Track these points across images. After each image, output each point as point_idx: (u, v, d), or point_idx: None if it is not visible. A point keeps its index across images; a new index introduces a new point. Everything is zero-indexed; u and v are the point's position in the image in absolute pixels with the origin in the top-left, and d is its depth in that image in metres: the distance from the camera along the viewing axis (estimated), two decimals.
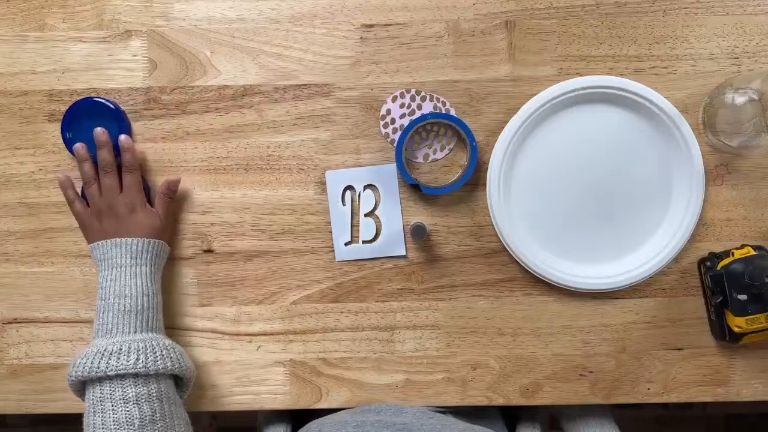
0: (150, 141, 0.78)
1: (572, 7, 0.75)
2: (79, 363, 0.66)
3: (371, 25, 0.76)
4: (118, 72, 0.77)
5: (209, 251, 0.79)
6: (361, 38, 0.76)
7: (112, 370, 0.64)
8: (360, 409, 0.75)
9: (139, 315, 0.69)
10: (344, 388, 0.79)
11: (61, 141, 0.77)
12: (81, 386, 0.68)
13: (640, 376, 0.78)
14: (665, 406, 0.76)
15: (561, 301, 0.77)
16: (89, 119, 0.76)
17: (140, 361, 0.65)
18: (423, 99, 0.76)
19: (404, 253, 0.77)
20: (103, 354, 0.65)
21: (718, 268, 0.72)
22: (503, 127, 0.75)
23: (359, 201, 0.77)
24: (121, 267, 0.70)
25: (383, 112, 0.76)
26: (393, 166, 0.76)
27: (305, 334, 0.79)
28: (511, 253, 0.76)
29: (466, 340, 0.78)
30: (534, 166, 0.76)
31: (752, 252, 0.72)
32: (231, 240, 0.78)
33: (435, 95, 0.76)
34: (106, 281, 0.70)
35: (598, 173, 0.76)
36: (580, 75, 0.75)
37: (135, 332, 0.68)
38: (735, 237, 0.77)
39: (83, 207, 0.74)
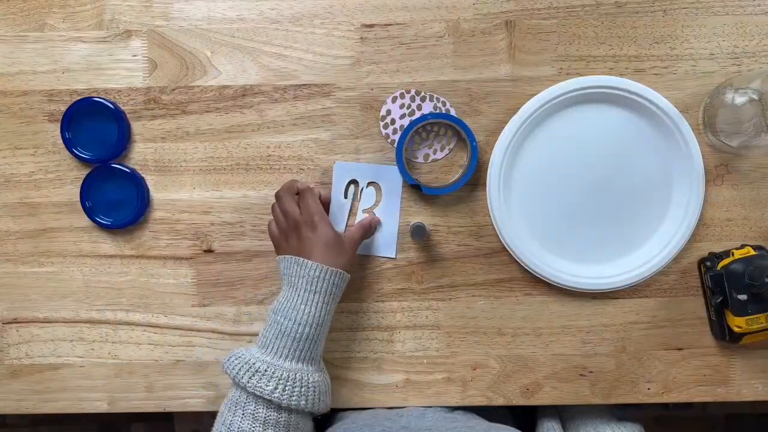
0: (150, 141, 0.78)
1: (572, 7, 0.75)
2: (232, 363, 0.67)
3: (371, 25, 0.76)
4: (118, 72, 0.77)
5: (209, 251, 0.79)
6: (361, 38, 0.76)
7: (251, 387, 0.64)
8: (384, 415, 0.76)
9: (297, 343, 0.67)
10: (344, 388, 0.79)
11: (61, 141, 0.77)
12: None
13: (640, 376, 0.78)
14: (665, 406, 0.76)
15: (561, 301, 0.77)
16: (89, 119, 0.76)
17: (277, 390, 0.64)
18: (423, 99, 0.76)
19: (394, 256, 0.77)
20: (249, 368, 0.66)
21: (718, 268, 0.72)
22: (503, 127, 0.75)
23: (360, 196, 0.77)
24: (296, 289, 0.69)
25: (383, 112, 0.76)
26: (398, 168, 0.76)
27: None
28: (511, 253, 0.76)
29: (466, 340, 0.78)
30: (534, 166, 0.76)
31: (752, 252, 0.72)
32: (231, 240, 0.78)
33: (435, 95, 0.76)
34: (283, 298, 0.70)
35: (598, 173, 0.76)
36: (580, 75, 0.75)
37: (287, 359, 0.67)
38: (735, 237, 0.77)
39: (276, 228, 0.74)
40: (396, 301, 0.78)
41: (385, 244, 0.78)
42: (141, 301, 0.79)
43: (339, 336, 0.79)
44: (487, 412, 0.80)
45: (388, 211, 0.77)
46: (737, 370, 0.78)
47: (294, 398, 0.65)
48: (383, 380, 0.79)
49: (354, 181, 0.77)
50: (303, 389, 0.66)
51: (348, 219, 0.78)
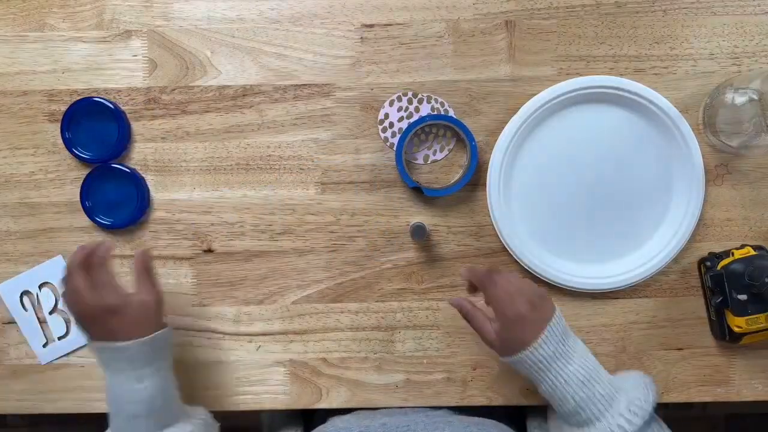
0: (150, 141, 0.78)
1: (572, 7, 0.75)
2: None
3: (371, 25, 0.76)
4: (118, 72, 0.77)
5: (209, 251, 0.79)
6: (361, 38, 0.76)
7: None
8: (364, 414, 0.76)
9: (150, 419, 0.64)
10: (344, 388, 0.79)
11: (61, 141, 0.77)
12: None
13: None
14: (665, 406, 0.75)
15: (561, 301, 0.77)
16: (89, 119, 0.76)
17: None
18: (420, 101, 0.76)
19: None
20: None
21: (718, 268, 0.72)
22: (503, 127, 0.75)
23: (39, 301, 0.78)
24: (120, 372, 0.64)
25: (381, 116, 0.76)
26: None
27: (305, 334, 0.79)
28: (511, 253, 0.76)
29: (466, 340, 0.78)
30: (534, 166, 0.76)
31: (752, 252, 0.72)
32: (231, 240, 0.78)
33: (433, 96, 0.76)
34: (114, 385, 0.65)
35: (598, 173, 0.76)
36: (580, 75, 0.75)
37: None
38: (735, 237, 0.77)
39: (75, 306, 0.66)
40: (396, 301, 0.78)
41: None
42: None
43: (339, 336, 0.79)
44: (485, 412, 0.80)
45: None
46: (737, 370, 0.78)
47: None
48: (383, 380, 0.79)
49: (26, 292, 0.78)
50: None
51: (41, 327, 0.78)
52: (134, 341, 0.64)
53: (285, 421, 0.88)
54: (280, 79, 0.77)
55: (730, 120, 0.71)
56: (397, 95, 0.76)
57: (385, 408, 0.78)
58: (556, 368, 0.64)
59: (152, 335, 0.65)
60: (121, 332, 0.64)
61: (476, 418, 0.72)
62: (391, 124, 0.76)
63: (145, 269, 0.68)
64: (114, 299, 0.64)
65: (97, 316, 0.64)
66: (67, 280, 0.65)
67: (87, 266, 0.65)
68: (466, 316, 0.70)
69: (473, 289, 0.72)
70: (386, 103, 0.76)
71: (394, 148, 0.76)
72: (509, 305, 0.65)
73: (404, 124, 0.76)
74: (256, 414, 0.88)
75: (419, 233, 0.72)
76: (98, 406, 0.80)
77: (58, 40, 0.77)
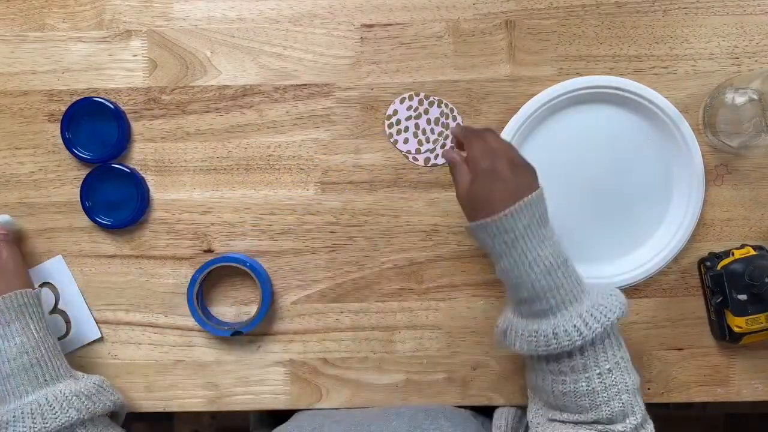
0: (150, 141, 0.78)
1: (572, 7, 0.75)
2: None
3: (371, 25, 0.76)
4: (118, 72, 0.77)
5: (209, 251, 0.79)
6: (361, 38, 0.76)
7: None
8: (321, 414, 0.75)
9: (23, 377, 0.64)
10: (344, 388, 0.79)
11: (60, 141, 0.77)
12: None
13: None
14: (665, 406, 0.75)
15: None
16: (89, 119, 0.76)
17: (37, 424, 0.61)
18: (431, 104, 0.76)
19: (99, 336, 0.78)
20: (7, 423, 0.62)
21: (718, 268, 0.72)
22: (503, 127, 0.75)
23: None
24: None
25: (390, 111, 0.76)
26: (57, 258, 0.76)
27: (305, 334, 0.79)
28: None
29: (466, 340, 0.78)
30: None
31: (752, 252, 0.72)
32: (231, 240, 0.78)
33: (444, 101, 0.76)
34: None
35: (598, 173, 0.76)
36: (580, 75, 0.75)
37: (27, 395, 0.63)
38: (735, 237, 0.77)
39: None
40: (396, 301, 0.78)
41: (86, 329, 0.78)
42: (141, 301, 0.79)
43: (339, 336, 0.79)
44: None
45: (72, 299, 0.78)
46: (737, 370, 0.78)
47: (60, 416, 0.62)
48: (383, 380, 0.79)
49: None
50: (65, 403, 0.63)
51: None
52: None
53: (270, 422, 0.87)
54: (280, 79, 0.77)
55: (730, 120, 0.71)
56: (408, 94, 0.76)
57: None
58: (524, 247, 0.58)
59: (10, 293, 0.66)
60: None
61: (426, 407, 0.72)
62: (398, 121, 0.76)
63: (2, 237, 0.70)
64: None
65: None
66: None
67: None
68: (452, 168, 0.64)
69: (461, 147, 0.66)
70: (397, 101, 0.76)
71: (186, 296, 0.76)
72: (488, 158, 0.59)
73: (411, 124, 0.76)
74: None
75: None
76: None
77: (57, 40, 0.77)
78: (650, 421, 0.61)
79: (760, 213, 0.77)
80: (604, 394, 0.58)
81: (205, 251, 0.78)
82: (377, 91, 0.77)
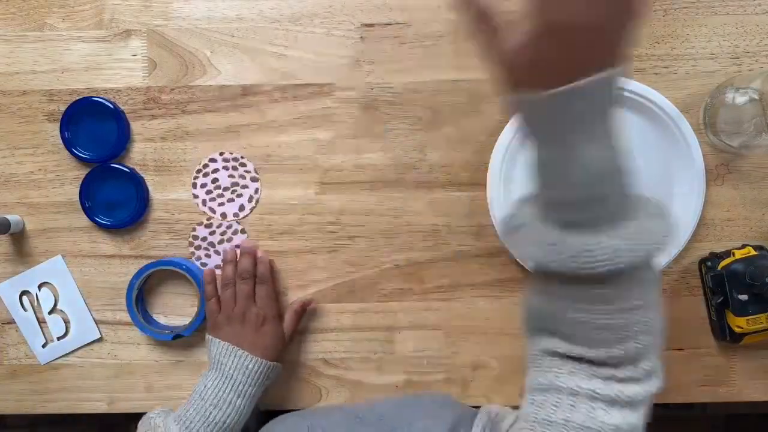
0: (150, 141, 0.78)
1: None
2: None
3: (371, 25, 0.76)
4: (118, 72, 0.77)
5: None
6: (361, 37, 0.76)
7: None
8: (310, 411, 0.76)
9: (222, 430, 0.68)
10: (344, 389, 0.79)
11: (60, 141, 0.77)
12: None
13: None
14: (665, 406, 0.75)
15: None
16: (89, 119, 0.76)
17: None
18: (235, 233, 0.76)
19: (99, 336, 0.78)
20: None
21: (719, 268, 0.72)
22: (503, 128, 0.75)
23: (38, 301, 0.78)
24: (230, 380, 0.69)
25: (195, 235, 0.77)
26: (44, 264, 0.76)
27: (305, 334, 0.79)
28: (512, 253, 0.75)
29: (466, 340, 0.78)
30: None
31: (753, 252, 0.71)
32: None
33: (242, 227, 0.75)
34: (211, 384, 0.69)
35: None
36: None
37: None
38: (736, 237, 0.77)
39: (217, 306, 0.74)
40: (396, 302, 0.78)
41: (86, 330, 0.79)
42: None
43: (339, 336, 0.78)
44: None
45: (72, 300, 0.78)
46: (738, 371, 0.78)
47: None
48: (384, 380, 0.79)
49: (25, 292, 0.78)
50: None
51: (41, 327, 0.78)
52: (261, 360, 0.70)
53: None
54: (280, 79, 0.77)
55: (731, 120, 0.71)
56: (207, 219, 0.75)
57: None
58: (584, 136, 0.43)
59: (275, 363, 0.72)
60: (255, 349, 0.71)
61: (407, 398, 0.72)
62: (203, 246, 0.78)
63: (299, 314, 0.76)
64: (271, 313, 0.73)
65: (250, 320, 0.72)
66: (225, 281, 0.74)
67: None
68: (478, 19, 0.45)
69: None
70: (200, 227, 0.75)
71: (125, 298, 0.77)
72: (564, 2, 0.39)
73: (220, 248, 0.76)
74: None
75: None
76: (97, 407, 0.80)
77: (57, 39, 0.77)
78: (662, 370, 0.50)
79: (761, 213, 0.77)
80: (624, 332, 0.47)
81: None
82: (377, 90, 0.76)
